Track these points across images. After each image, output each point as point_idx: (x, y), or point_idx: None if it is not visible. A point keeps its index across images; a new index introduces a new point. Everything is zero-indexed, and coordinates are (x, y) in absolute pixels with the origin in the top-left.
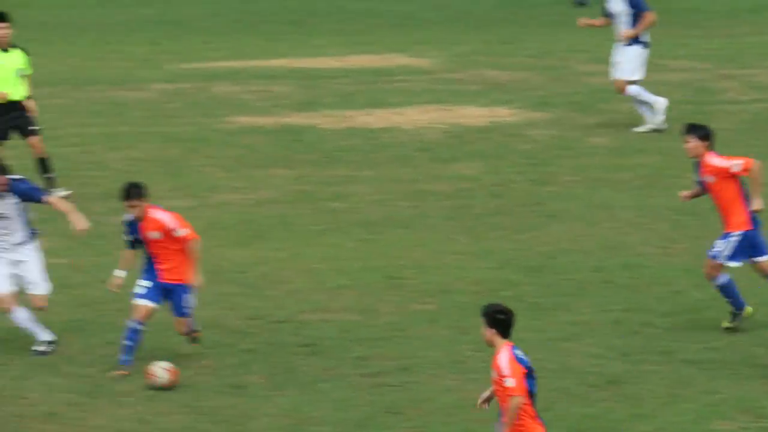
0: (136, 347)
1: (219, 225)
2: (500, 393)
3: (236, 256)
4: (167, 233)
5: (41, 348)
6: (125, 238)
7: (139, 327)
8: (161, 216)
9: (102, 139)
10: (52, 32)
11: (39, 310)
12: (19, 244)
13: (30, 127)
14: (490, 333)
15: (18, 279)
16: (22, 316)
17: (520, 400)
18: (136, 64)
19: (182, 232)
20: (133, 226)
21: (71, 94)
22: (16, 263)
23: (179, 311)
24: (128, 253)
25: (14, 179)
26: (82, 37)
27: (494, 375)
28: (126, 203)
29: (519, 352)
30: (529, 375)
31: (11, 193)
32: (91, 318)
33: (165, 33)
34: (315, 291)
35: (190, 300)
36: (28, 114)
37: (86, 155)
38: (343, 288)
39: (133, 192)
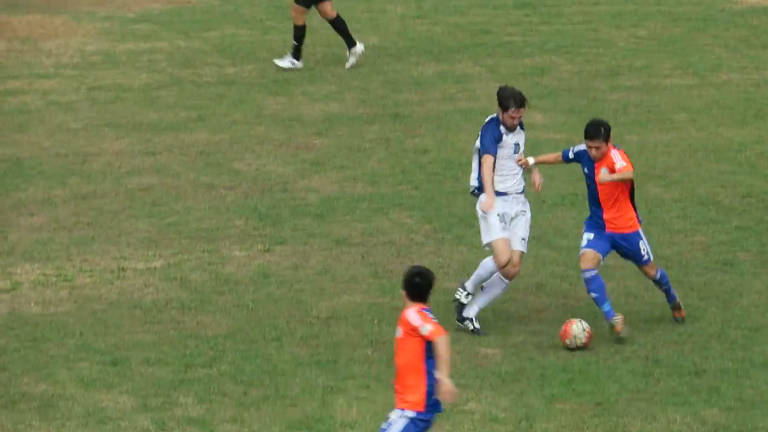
0: (604, 293)
1: (720, 104)
2: (402, 350)
3: (735, 135)
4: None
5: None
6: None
7: (590, 275)
8: (615, 155)
9: (608, 17)
10: None
11: (510, 276)
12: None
13: None
14: (403, 294)
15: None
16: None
17: (446, 337)
18: None
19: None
20: (586, 158)
21: None
22: (515, 215)
23: (639, 260)
24: (554, 157)
25: None
26: None
27: (399, 333)
28: (589, 142)
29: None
30: None
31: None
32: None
33: None
34: None
35: (646, 245)
36: None
37: (592, 33)
38: None
39: (602, 131)
